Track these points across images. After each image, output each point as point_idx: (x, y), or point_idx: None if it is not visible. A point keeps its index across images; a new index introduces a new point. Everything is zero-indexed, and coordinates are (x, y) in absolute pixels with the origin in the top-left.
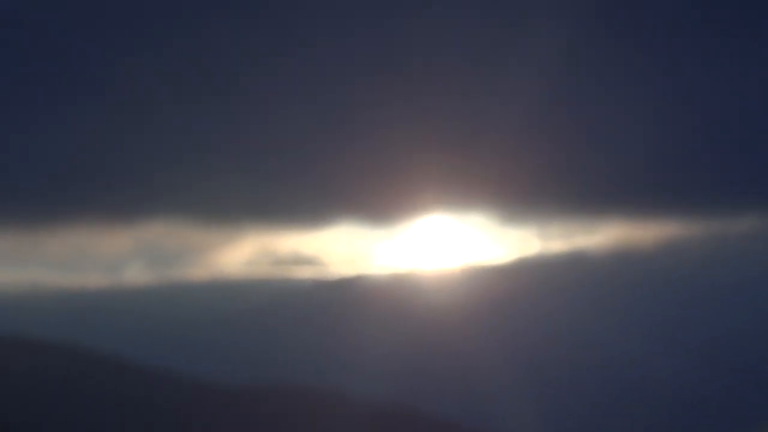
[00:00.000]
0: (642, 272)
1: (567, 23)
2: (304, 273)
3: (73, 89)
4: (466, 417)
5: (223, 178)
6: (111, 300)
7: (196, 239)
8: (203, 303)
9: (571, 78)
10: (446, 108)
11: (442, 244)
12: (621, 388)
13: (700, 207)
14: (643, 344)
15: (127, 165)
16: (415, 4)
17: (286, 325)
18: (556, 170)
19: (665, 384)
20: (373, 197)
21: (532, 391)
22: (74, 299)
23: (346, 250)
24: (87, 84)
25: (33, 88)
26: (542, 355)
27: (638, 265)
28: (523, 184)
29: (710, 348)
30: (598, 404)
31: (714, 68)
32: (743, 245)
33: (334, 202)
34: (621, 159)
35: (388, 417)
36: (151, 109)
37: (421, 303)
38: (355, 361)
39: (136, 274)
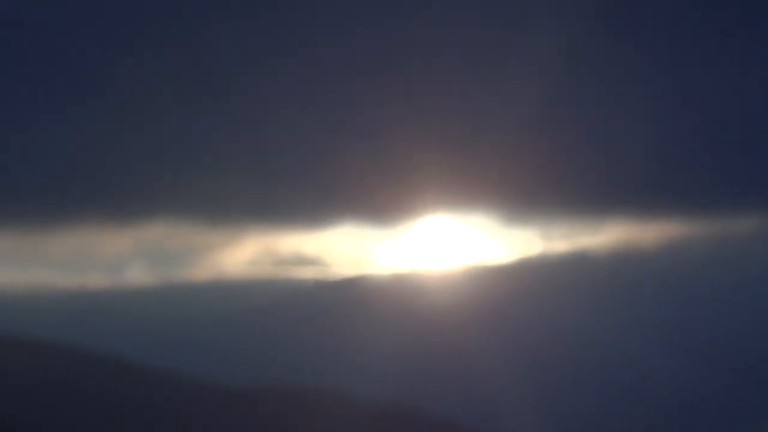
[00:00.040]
0: (643, 272)
1: (567, 23)
2: (307, 273)
3: (73, 89)
4: (467, 417)
5: (225, 179)
6: (112, 300)
7: (198, 240)
8: (205, 303)
9: (573, 79)
10: (448, 109)
11: (444, 245)
12: (622, 387)
13: (701, 207)
14: (644, 344)
15: (128, 166)
16: (415, 4)
17: (288, 325)
18: (558, 171)
19: (665, 384)
20: (376, 198)
21: (534, 390)
22: (75, 299)
23: (348, 250)
24: (88, 84)
25: (33, 88)
26: (544, 355)
27: (640, 265)
28: (525, 185)
29: (710, 348)
30: (600, 404)
31: (714, 68)
32: (744, 245)
33: (336, 202)
34: (622, 160)
35: (389, 417)
36: (152, 110)
37: (424, 303)
38: (357, 361)
39: (138, 275)
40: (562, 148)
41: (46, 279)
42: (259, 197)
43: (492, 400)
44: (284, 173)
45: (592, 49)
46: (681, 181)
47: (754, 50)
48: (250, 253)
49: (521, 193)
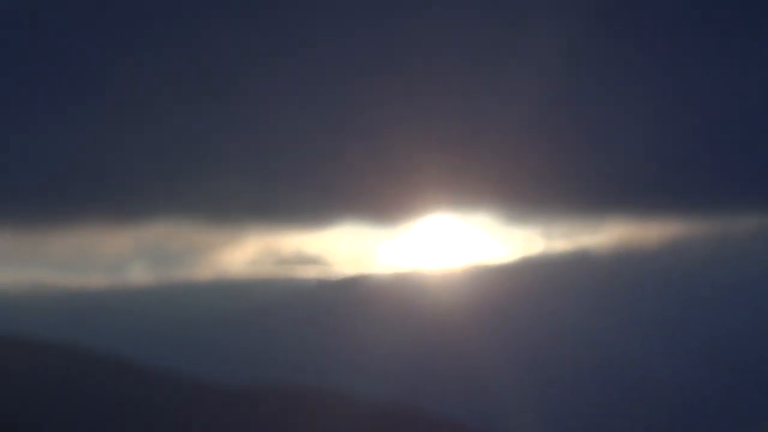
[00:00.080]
0: (644, 272)
1: (567, 23)
2: (308, 273)
3: (73, 89)
4: (469, 417)
5: (225, 178)
6: (113, 300)
7: (198, 239)
8: (206, 303)
9: (573, 78)
10: (449, 108)
11: (445, 244)
12: (622, 387)
13: (702, 207)
14: (645, 343)
15: (128, 165)
16: (415, 4)
17: (289, 325)
18: (559, 170)
19: (666, 384)
20: (377, 197)
21: (535, 390)
22: (75, 299)
23: (349, 249)
24: (88, 84)
25: (33, 88)
26: (545, 355)
27: (641, 264)
28: (526, 184)
29: (711, 348)
30: (601, 404)
31: (714, 68)
32: (744, 245)
33: (337, 201)
34: (623, 159)
35: (390, 417)
36: (152, 109)
37: (425, 303)
38: (358, 361)
39: (139, 274)
40: (562, 148)
41: (46, 279)
42: (260, 197)
43: (494, 400)
44: (285, 173)
45: (592, 49)
46: (681, 181)
47: (754, 50)
48: (250, 252)
49: (522, 193)
